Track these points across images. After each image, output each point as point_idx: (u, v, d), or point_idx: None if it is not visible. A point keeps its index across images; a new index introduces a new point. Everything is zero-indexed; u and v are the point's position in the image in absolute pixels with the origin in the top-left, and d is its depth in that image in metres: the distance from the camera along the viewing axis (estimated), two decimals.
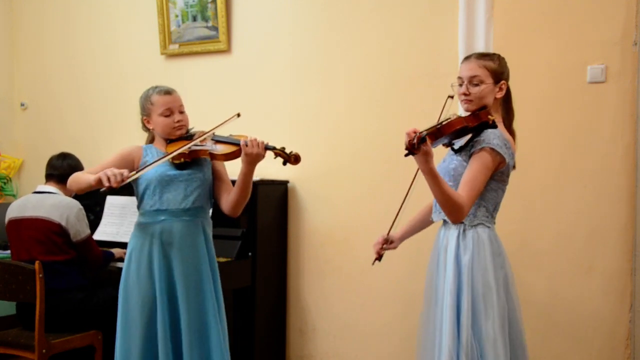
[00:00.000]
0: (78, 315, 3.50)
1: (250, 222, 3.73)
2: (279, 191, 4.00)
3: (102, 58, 4.78)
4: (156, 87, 2.93)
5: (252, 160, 2.75)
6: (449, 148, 2.59)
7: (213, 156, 2.83)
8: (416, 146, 2.25)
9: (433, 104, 3.50)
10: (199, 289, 2.81)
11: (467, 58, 2.60)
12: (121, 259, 3.76)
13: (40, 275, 3.28)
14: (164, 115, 2.85)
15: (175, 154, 2.77)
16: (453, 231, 2.51)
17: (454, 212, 2.39)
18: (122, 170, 2.62)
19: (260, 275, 3.80)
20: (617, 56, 3.21)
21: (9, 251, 4.33)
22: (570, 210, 3.32)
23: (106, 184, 2.58)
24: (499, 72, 2.53)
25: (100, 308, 3.54)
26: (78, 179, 2.79)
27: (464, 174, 2.45)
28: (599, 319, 3.27)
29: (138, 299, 2.79)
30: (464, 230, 2.48)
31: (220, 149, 2.80)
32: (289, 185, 4.04)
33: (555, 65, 3.33)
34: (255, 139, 2.73)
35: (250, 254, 3.74)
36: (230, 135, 2.87)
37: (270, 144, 2.77)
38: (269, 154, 2.78)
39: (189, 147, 2.77)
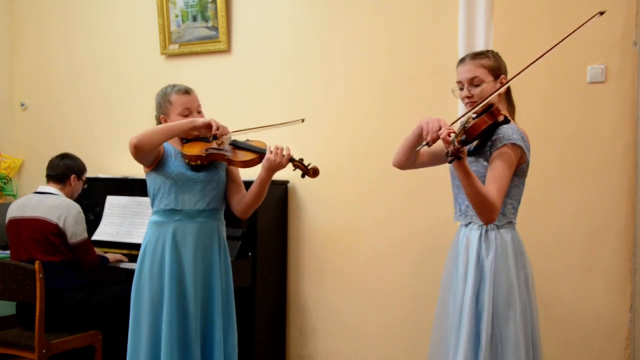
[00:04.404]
0: (78, 315, 3.50)
1: (250, 222, 3.72)
2: (279, 191, 4.00)
3: (102, 58, 4.77)
4: (174, 85, 2.92)
5: (273, 168, 2.76)
6: None
7: (230, 162, 2.82)
8: (461, 150, 2.22)
9: (433, 104, 3.53)
10: (208, 289, 2.83)
11: (461, 61, 2.56)
12: (118, 262, 3.75)
13: (41, 275, 3.28)
14: (182, 115, 2.84)
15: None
16: (475, 232, 2.47)
17: (487, 212, 2.35)
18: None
19: (260, 275, 3.80)
20: (617, 56, 3.21)
21: (9, 251, 4.34)
22: (570, 210, 3.32)
23: (215, 131, 2.70)
24: (496, 67, 2.52)
25: (100, 308, 3.54)
26: (162, 130, 2.70)
27: (487, 173, 2.41)
28: (599, 319, 3.27)
29: (148, 297, 2.79)
30: (487, 231, 2.45)
31: (239, 155, 2.79)
32: (289, 185, 4.04)
33: (555, 65, 3.33)
34: (282, 149, 2.74)
35: (250, 254, 3.74)
36: (247, 140, 2.86)
37: (295, 156, 2.78)
38: (289, 165, 2.79)
39: (226, 156, 2.80)
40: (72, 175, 3.75)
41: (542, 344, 3.29)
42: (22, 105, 5.17)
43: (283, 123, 2.84)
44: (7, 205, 4.78)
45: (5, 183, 5.00)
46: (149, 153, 2.72)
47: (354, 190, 3.86)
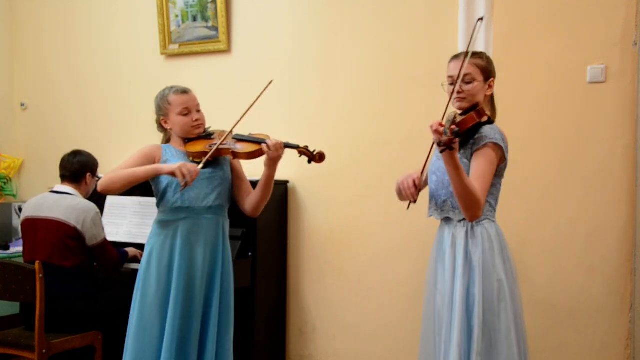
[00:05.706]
0: (80, 319, 3.48)
1: (250, 222, 3.71)
2: (279, 191, 4.00)
3: (102, 58, 4.78)
4: (172, 87, 2.96)
5: (276, 162, 2.82)
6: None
7: (235, 155, 2.86)
8: (453, 141, 2.27)
9: (433, 104, 3.53)
10: (210, 288, 2.86)
11: (456, 57, 2.61)
12: (135, 258, 3.71)
13: (41, 275, 3.26)
14: (182, 115, 2.89)
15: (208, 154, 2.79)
16: (460, 228, 2.51)
17: (472, 207, 2.40)
18: (194, 166, 2.71)
19: (260, 275, 3.80)
20: (617, 56, 3.21)
21: (8, 251, 4.34)
22: (570, 210, 3.32)
23: (183, 181, 2.66)
24: (487, 70, 2.58)
25: (103, 312, 3.52)
26: (127, 176, 2.75)
27: (472, 172, 2.46)
28: (599, 319, 3.27)
29: (156, 297, 2.81)
30: (472, 227, 2.49)
31: (242, 147, 2.83)
32: (289, 185, 4.04)
33: (555, 65, 3.33)
34: (276, 142, 2.78)
35: (250, 254, 3.74)
36: (250, 134, 2.91)
37: (291, 142, 2.83)
38: (293, 152, 2.84)
39: (213, 149, 2.79)
40: (88, 174, 3.68)
41: (542, 344, 3.32)
42: (22, 105, 5.17)
43: (259, 96, 2.87)
44: (7, 205, 4.79)
45: (5, 183, 5.00)
46: (118, 192, 2.83)
47: (354, 190, 3.86)
